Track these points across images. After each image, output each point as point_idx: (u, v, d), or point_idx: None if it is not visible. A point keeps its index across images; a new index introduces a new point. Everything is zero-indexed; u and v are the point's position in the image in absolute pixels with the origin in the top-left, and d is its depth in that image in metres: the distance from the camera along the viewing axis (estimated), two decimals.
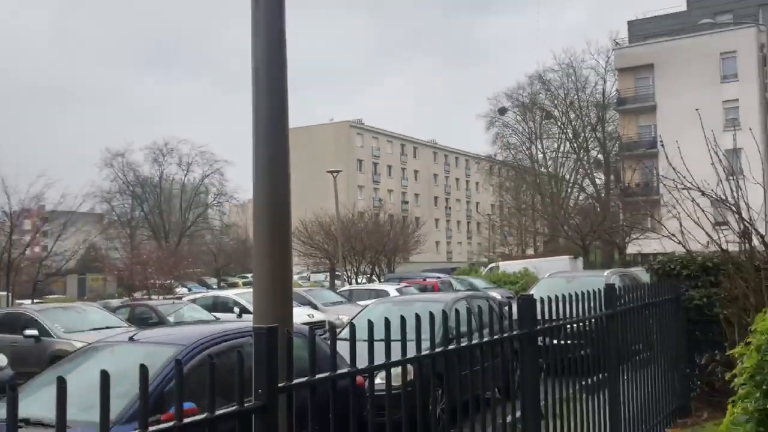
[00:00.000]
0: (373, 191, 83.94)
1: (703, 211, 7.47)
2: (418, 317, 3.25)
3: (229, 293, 22.41)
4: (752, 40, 47.89)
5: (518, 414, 4.39)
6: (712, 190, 7.47)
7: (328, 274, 49.42)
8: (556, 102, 62.72)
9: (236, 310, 18.96)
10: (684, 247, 7.90)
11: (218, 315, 17.76)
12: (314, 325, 15.57)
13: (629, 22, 58.15)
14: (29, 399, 5.14)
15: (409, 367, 3.35)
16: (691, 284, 8.39)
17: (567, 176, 64.19)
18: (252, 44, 3.71)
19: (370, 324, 2.98)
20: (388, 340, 3.07)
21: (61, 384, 1.88)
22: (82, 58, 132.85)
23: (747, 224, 7.25)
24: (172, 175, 66.46)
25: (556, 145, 65.03)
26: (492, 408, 4.09)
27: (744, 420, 3.39)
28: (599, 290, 5.80)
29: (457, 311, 3.71)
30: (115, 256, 49.01)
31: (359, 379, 3.17)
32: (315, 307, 20.43)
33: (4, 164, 67.46)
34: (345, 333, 9.18)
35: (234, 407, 2.39)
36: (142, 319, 17.32)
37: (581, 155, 61.79)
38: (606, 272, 17.38)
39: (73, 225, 35.84)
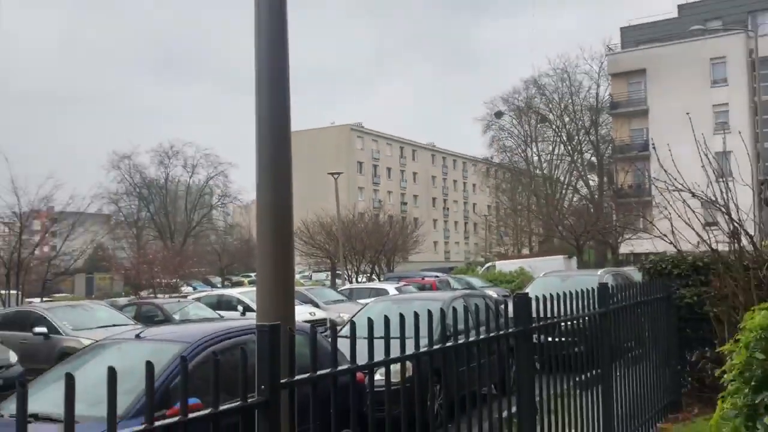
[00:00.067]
0: (373, 192, 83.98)
1: (693, 212, 7.52)
2: (416, 315, 3.28)
3: (233, 292, 22.43)
4: (741, 46, 47.86)
5: (514, 409, 4.43)
6: (703, 192, 7.53)
7: (329, 273, 49.42)
8: (550, 106, 62.66)
9: (240, 308, 19.07)
10: (675, 247, 7.97)
11: (222, 313, 17.75)
12: (315, 323, 15.42)
13: (622, 29, 58.08)
14: (38, 395, 5.17)
15: (408, 363, 3.39)
16: (682, 283, 8.51)
17: (561, 178, 64.23)
18: (255, 47, 3.75)
19: (370, 322, 3.01)
20: (387, 338, 3.11)
21: (70, 380, 1.91)
22: (89, 62, 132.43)
23: (736, 225, 7.30)
24: (178, 176, 66.42)
25: (550, 148, 65.06)
26: (488, 403, 4.17)
27: (733, 415, 3.44)
28: (593, 289, 5.85)
29: (454, 309, 3.73)
30: (122, 255, 48.74)
31: (359, 375, 3.20)
32: (316, 306, 20.42)
33: (14, 166, 66.98)
34: (345, 331, 9.25)
35: (237, 403, 2.42)
36: (148, 317, 17.38)
37: (575, 158, 61.84)
38: (599, 271, 17.44)
39: (81, 225, 35.64)
